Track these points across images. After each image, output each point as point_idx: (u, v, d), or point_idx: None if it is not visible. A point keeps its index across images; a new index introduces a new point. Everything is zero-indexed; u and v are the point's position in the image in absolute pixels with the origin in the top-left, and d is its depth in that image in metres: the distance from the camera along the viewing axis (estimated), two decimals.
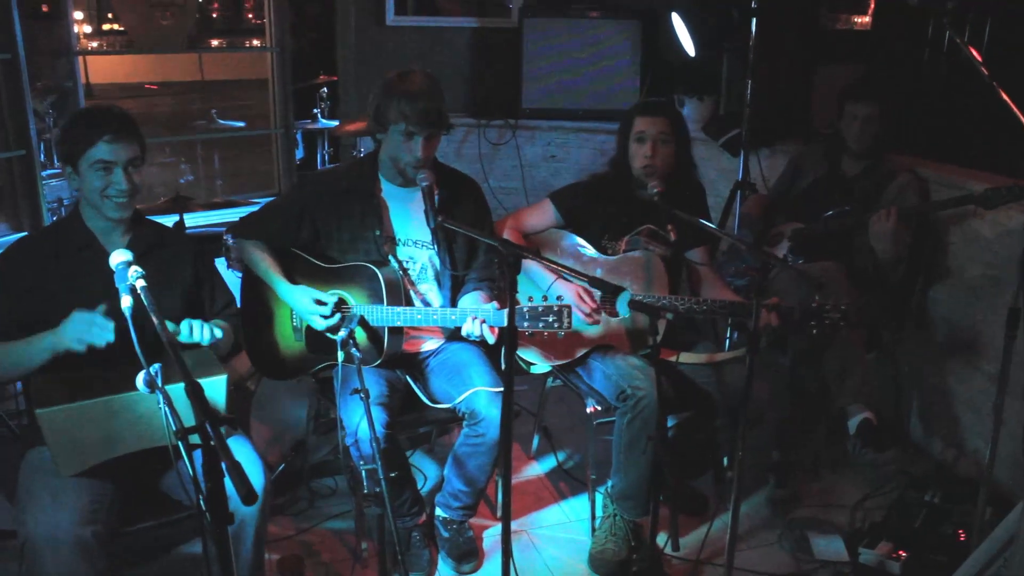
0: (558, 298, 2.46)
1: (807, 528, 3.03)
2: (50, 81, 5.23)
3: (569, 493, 3.28)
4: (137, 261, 1.92)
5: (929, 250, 3.43)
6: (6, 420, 2.55)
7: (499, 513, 3.10)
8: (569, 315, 2.43)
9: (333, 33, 5.28)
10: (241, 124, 5.82)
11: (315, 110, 5.64)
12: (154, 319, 1.68)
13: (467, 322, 2.53)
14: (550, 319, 2.42)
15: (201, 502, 1.61)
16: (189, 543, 2.80)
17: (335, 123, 5.19)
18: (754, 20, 3.73)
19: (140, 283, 1.82)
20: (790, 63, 4.53)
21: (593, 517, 3.00)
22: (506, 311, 2.49)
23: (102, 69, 8.69)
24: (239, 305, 2.93)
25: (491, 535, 3.01)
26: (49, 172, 4.66)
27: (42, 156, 4.22)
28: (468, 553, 2.83)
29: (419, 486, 3.02)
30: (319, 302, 2.62)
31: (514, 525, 3.04)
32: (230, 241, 3.73)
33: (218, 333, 2.23)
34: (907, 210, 3.16)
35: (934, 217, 3.38)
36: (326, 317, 2.62)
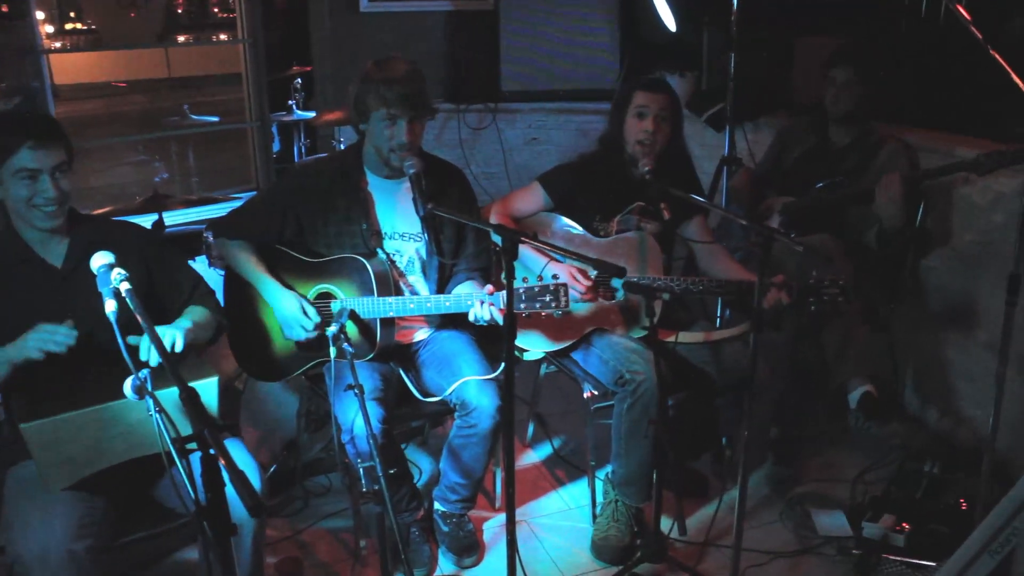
0: (553, 277, 2.41)
1: (808, 504, 3.02)
2: (14, 82, 5.09)
3: (567, 480, 3.24)
4: (77, 265, 1.84)
5: (921, 218, 3.40)
6: None
7: (498, 504, 3.06)
8: (566, 294, 2.38)
9: (304, 23, 5.17)
10: (215, 119, 5.70)
11: (290, 102, 5.52)
12: (142, 323, 1.61)
13: (475, 306, 2.48)
14: (547, 298, 2.38)
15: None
16: (183, 549, 2.74)
17: (311, 114, 5.09)
18: None
19: (125, 286, 1.74)
20: (771, 36, 4.48)
21: (594, 504, 2.96)
22: (500, 294, 2.47)
23: (67, 69, 8.50)
24: (222, 305, 2.87)
25: (491, 527, 2.96)
26: None
27: None
28: (469, 547, 2.78)
29: (415, 480, 2.96)
30: (306, 313, 2.58)
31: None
32: (210, 239, 3.65)
33: (179, 344, 2.10)
34: (908, 176, 3.13)
35: (925, 185, 3.36)
36: (307, 330, 2.58)
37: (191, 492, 1.59)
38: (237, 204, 3.46)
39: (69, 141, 2.17)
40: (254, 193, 5.11)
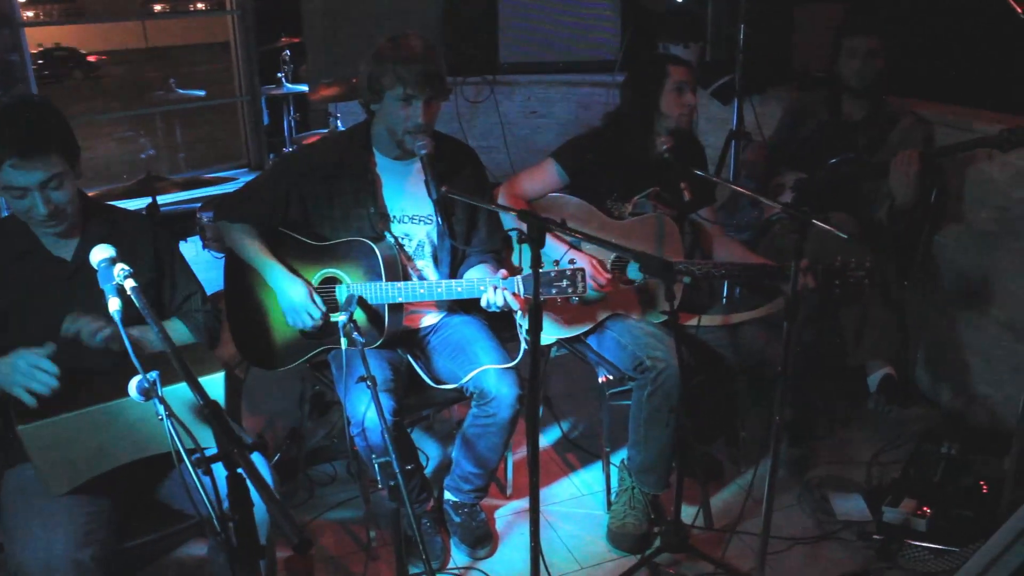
0: (570, 262, 2.32)
1: (826, 487, 2.97)
2: None
3: (578, 464, 3.17)
4: (87, 260, 1.72)
5: (936, 194, 3.32)
6: None
7: (509, 491, 2.98)
8: (583, 279, 2.31)
9: None
10: (201, 93, 5.51)
11: (279, 74, 5.36)
12: (151, 323, 1.50)
13: (488, 292, 2.38)
14: (564, 284, 2.31)
15: (213, 519, 1.47)
16: (187, 545, 2.65)
17: (303, 87, 4.93)
18: None
19: (130, 283, 1.63)
20: (771, 3, 4.37)
21: (608, 490, 2.89)
22: (517, 279, 2.38)
23: (41, 40, 8.22)
24: (223, 288, 2.76)
25: (503, 515, 2.89)
26: None
27: None
28: (482, 537, 2.71)
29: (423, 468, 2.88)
30: (314, 301, 2.49)
31: (524, 503, 2.94)
32: (204, 219, 3.53)
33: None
34: (927, 153, 3.04)
35: (940, 160, 3.27)
36: (313, 319, 2.48)
37: (206, 501, 1.51)
38: (231, 186, 3.35)
39: (68, 145, 1.98)
40: (246, 171, 5.00)
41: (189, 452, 1.28)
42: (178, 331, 2.24)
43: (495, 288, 2.39)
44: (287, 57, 5.43)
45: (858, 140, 3.26)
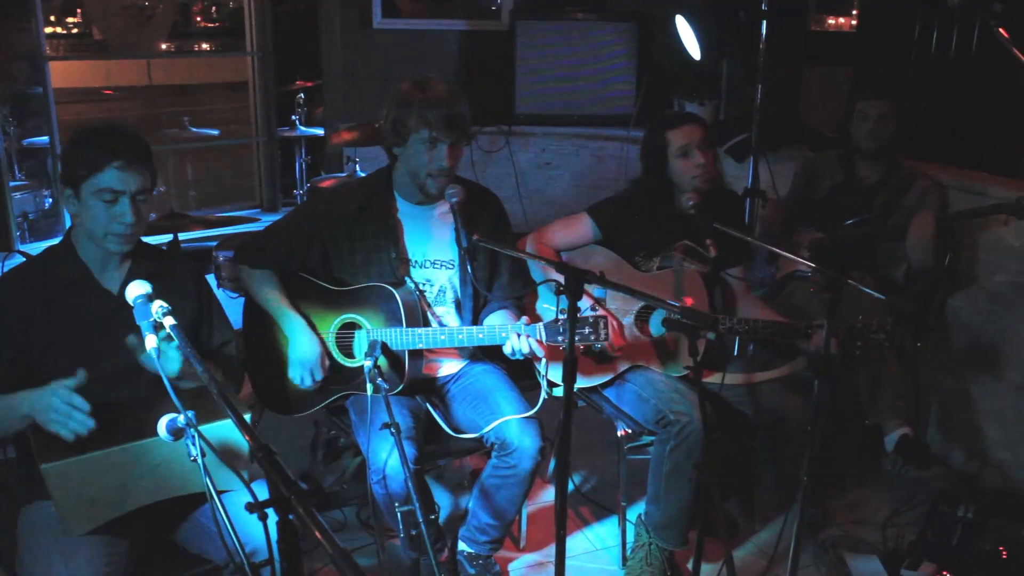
0: (592, 308, 2.32)
1: (841, 548, 2.93)
2: (8, 87, 4.94)
3: (592, 519, 3.13)
4: None
5: (950, 258, 3.35)
6: None
7: (522, 544, 2.94)
8: (606, 326, 2.31)
9: (309, 37, 5.07)
10: (215, 132, 5.56)
11: (293, 117, 5.41)
12: (193, 360, 1.49)
13: (512, 339, 2.37)
14: (585, 331, 2.31)
15: (245, 565, 1.44)
16: None
17: (318, 131, 4.97)
18: (764, 22, 3.61)
19: (169, 320, 1.62)
20: (784, 66, 4.45)
21: (624, 545, 2.85)
22: (538, 326, 2.38)
23: (57, 74, 8.28)
24: (242, 329, 2.74)
25: (516, 568, 2.85)
26: (16, 183, 4.39)
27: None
28: None
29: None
30: (322, 365, 2.52)
31: (538, 556, 2.90)
32: (221, 258, 3.53)
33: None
34: (944, 217, 3.07)
35: (955, 224, 3.31)
36: (313, 380, 2.52)
37: (237, 546, 1.48)
38: (251, 226, 3.35)
39: (154, 167, 2.06)
40: (258, 212, 5.01)
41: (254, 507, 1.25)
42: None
43: (518, 335, 2.38)
44: (301, 100, 5.49)
45: (873, 202, 3.29)
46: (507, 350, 2.42)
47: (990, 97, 3.93)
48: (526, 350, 2.38)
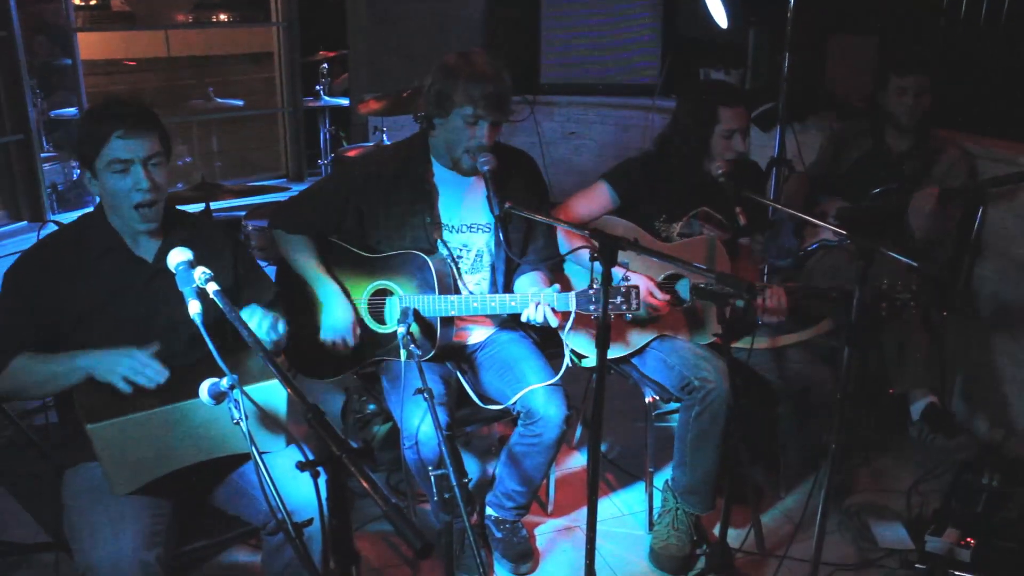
0: (624, 278, 2.34)
1: (865, 515, 2.96)
2: (35, 60, 4.97)
3: (617, 485, 3.17)
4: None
5: (977, 226, 3.33)
6: (33, 438, 2.35)
7: (550, 509, 2.99)
8: (638, 295, 2.33)
9: (334, 7, 5.06)
10: (240, 103, 5.58)
11: (317, 87, 5.42)
12: (238, 325, 1.52)
13: (529, 307, 2.40)
14: (618, 300, 2.34)
15: (288, 523, 1.49)
16: (232, 551, 2.66)
17: (343, 101, 4.98)
18: None
19: (212, 286, 1.65)
20: (810, 35, 4.41)
21: (651, 510, 2.89)
22: (570, 295, 2.40)
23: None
24: None
25: (543, 532, 2.90)
26: (44, 155, 4.43)
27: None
28: (524, 553, 2.71)
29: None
30: (355, 332, 2.55)
31: (566, 520, 2.95)
32: (250, 227, 3.57)
33: (281, 326, 2.05)
34: (951, 191, 3.07)
35: (982, 192, 3.29)
36: (346, 345, 2.54)
37: (280, 504, 1.52)
38: (282, 195, 3.38)
39: (165, 130, 2.07)
40: (284, 182, 5.03)
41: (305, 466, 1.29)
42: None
43: (536, 304, 2.41)
44: (325, 70, 5.49)
45: (903, 171, 3.28)
46: (523, 318, 2.45)
47: (1020, 65, 3.87)
48: (540, 319, 2.41)
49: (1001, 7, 4.06)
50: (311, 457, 1.50)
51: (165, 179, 2.07)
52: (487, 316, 2.71)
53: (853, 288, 2.29)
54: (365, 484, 1.14)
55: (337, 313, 2.55)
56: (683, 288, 2.76)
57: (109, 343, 1.93)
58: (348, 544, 1.23)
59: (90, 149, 1.99)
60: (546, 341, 2.76)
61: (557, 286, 2.46)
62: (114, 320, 2.02)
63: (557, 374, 2.52)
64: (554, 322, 2.42)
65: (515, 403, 2.52)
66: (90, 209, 2.20)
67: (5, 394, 2.04)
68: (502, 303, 2.49)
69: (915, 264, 2.05)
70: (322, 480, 1.25)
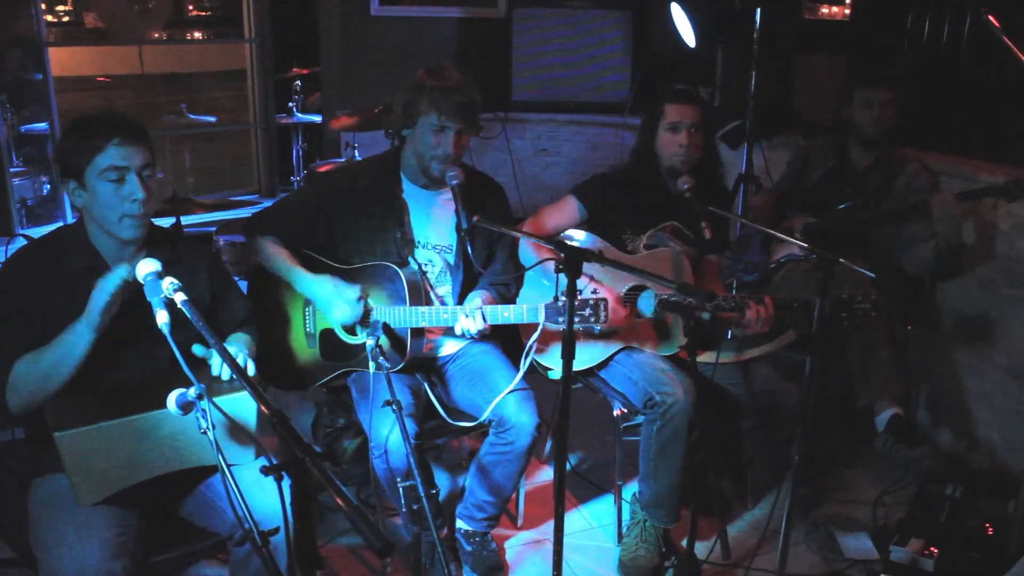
0: (593, 291, 2.36)
1: (831, 526, 3.00)
2: (6, 74, 4.94)
3: (587, 497, 3.19)
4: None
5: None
6: None
7: (520, 522, 2.99)
8: (605, 308, 2.36)
9: (306, 24, 5.09)
10: (213, 119, 5.58)
11: (290, 104, 5.44)
12: (209, 338, 1.53)
13: (460, 319, 2.44)
14: (587, 313, 2.35)
15: (255, 532, 1.49)
16: (200, 565, 2.64)
17: (311, 117, 5.00)
18: (758, 10, 3.66)
19: (180, 296, 1.66)
20: (778, 54, 4.50)
21: (620, 522, 2.91)
22: (539, 307, 2.42)
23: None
24: None
25: (512, 545, 2.90)
26: (14, 169, 4.41)
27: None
28: (494, 566, 2.72)
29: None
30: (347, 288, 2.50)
31: (535, 534, 2.96)
32: (221, 241, 3.57)
33: (250, 368, 2.02)
34: (970, 193, 3.11)
35: (1007, 191, 3.33)
36: (354, 303, 2.47)
37: (245, 511, 1.53)
38: (252, 209, 3.38)
39: (152, 146, 2.08)
40: (257, 198, 5.03)
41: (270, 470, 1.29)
42: (248, 340, 2.32)
43: (465, 315, 2.44)
44: (298, 87, 5.51)
45: (865, 186, 3.34)
46: (457, 331, 2.48)
47: (981, 85, 3.98)
48: (474, 330, 2.43)
49: (962, 28, 4.17)
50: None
51: (156, 191, 2.09)
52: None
53: (814, 299, 2.34)
54: (326, 484, 1.15)
55: (320, 290, 2.51)
56: (646, 300, 2.79)
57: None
58: (312, 549, 1.24)
59: (83, 157, 1.98)
60: (518, 351, 2.77)
61: (484, 294, 2.55)
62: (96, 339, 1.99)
63: (518, 373, 2.54)
64: (471, 332, 2.45)
65: (487, 415, 2.53)
66: (64, 223, 2.19)
67: (24, 406, 1.99)
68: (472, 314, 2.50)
69: (872, 275, 2.09)
70: (286, 484, 1.25)
